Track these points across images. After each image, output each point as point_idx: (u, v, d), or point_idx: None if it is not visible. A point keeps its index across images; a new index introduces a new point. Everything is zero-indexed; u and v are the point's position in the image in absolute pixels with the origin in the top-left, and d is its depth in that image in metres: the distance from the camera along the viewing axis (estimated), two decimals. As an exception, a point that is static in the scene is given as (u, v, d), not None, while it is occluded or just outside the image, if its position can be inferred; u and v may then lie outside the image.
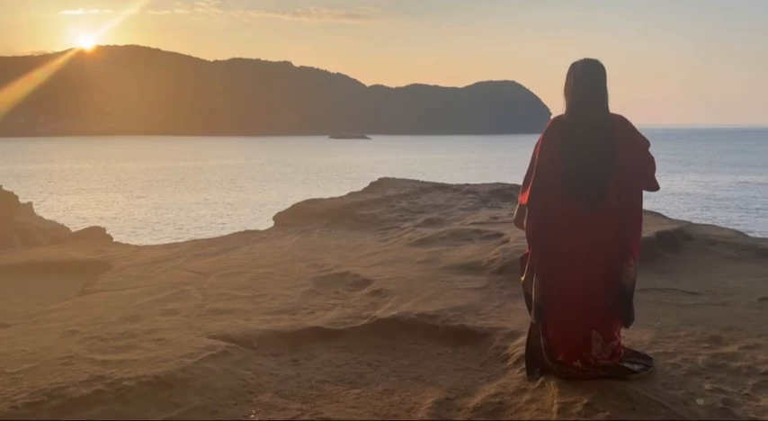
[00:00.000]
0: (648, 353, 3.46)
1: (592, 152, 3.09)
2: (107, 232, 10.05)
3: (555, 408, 2.92)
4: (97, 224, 11.38)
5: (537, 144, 3.24)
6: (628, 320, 3.20)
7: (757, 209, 33.66)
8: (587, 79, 3.11)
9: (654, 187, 3.23)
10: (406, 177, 11.01)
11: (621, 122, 3.15)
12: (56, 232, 10.42)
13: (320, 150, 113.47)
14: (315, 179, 53.70)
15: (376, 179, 10.22)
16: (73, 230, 10.65)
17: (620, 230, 3.12)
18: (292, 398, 3.22)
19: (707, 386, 3.10)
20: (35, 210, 11.81)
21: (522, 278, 3.37)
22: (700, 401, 2.96)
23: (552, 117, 3.24)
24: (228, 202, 38.36)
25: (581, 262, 3.13)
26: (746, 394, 3.03)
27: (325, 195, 10.44)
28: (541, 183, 3.18)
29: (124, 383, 3.18)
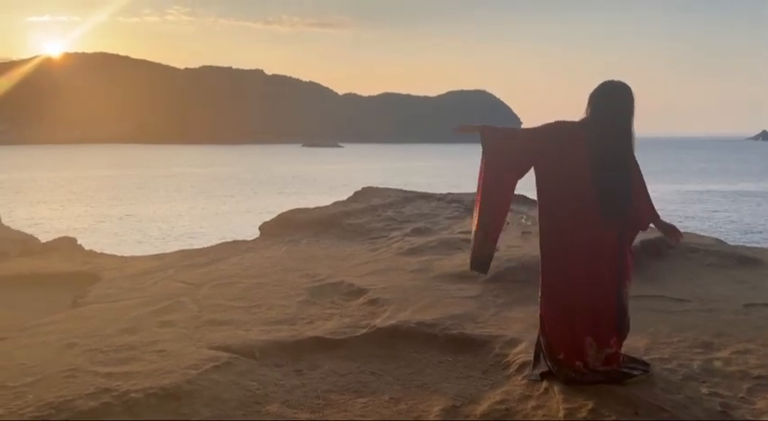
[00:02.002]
0: (645, 358, 3.57)
1: (622, 175, 3.24)
2: (78, 242, 9.86)
3: (561, 414, 3.00)
4: (67, 234, 11.10)
5: (547, 127, 3.32)
6: (623, 331, 3.38)
7: (729, 217, 34.62)
8: (619, 100, 3.24)
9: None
10: (386, 186, 11.05)
11: None
12: (25, 243, 10.14)
13: (294, 159, 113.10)
14: (292, 188, 53.44)
15: (358, 188, 10.24)
16: (43, 241, 10.38)
17: (622, 248, 3.28)
18: (300, 408, 3.24)
19: (704, 390, 3.21)
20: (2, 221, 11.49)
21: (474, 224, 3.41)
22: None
23: (562, 120, 3.34)
24: (205, 212, 37.99)
25: (582, 268, 3.23)
26: (742, 397, 3.15)
27: (306, 204, 10.43)
28: (558, 184, 3.28)
29: (131, 395, 3.17)
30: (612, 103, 3.24)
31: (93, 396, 3.15)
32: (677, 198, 43.45)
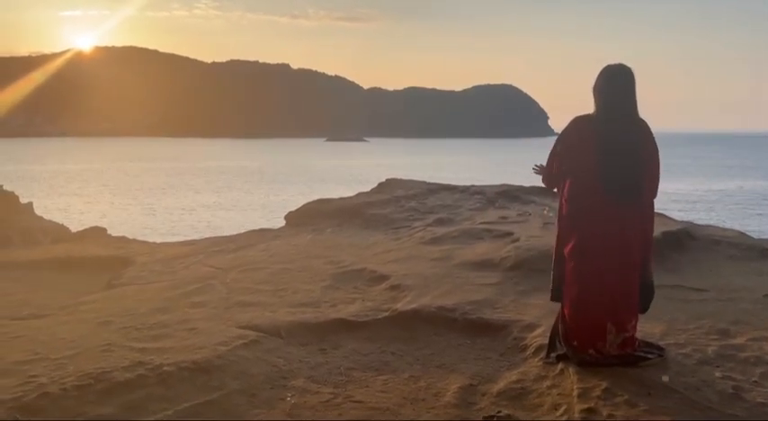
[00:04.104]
0: (660, 343, 3.64)
1: (627, 155, 3.31)
2: (108, 232, 10.07)
3: (575, 393, 3.10)
4: (98, 224, 11.30)
5: (562, 137, 3.44)
6: (645, 308, 3.48)
7: (759, 214, 34.19)
8: (619, 84, 3.32)
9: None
10: (411, 179, 11.16)
11: (646, 127, 3.37)
12: (57, 232, 10.37)
13: (318, 153, 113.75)
14: (316, 181, 53.87)
15: (383, 180, 10.37)
16: (73, 231, 10.57)
17: (643, 228, 3.35)
18: (324, 383, 3.40)
19: (717, 374, 3.28)
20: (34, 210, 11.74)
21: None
22: (665, 378, 3.16)
23: (577, 116, 3.44)
24: (232, 203, 38.56)
25: (605, 255, 3.32)
26: (755, 381, 3.21)
27: (330, 197, 10.57)
28: (574, 175, 3.38)
29: (164, 368, 3.34)
30: (612, 87, 3.34)
31: (129, 368, 3.33)
32: (714, 196, 42.99)
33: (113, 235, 9.58)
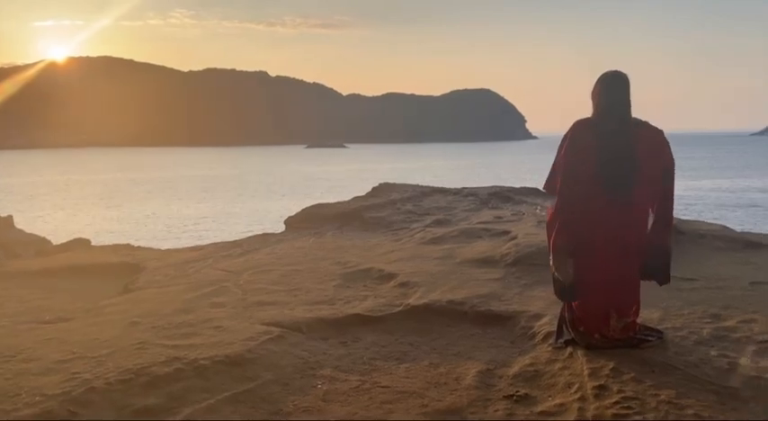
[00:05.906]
0: (659, 327, 3.93)
1: (623, 158, 3.59)
2: (92, 244, 9.97)
3: (586, 372, 3.37)
4: (79, 236, 11.04)
5: (564, 141, 3.72)
6: (666, 279, 3.84)
7: (734, 210, 35.25)
8: (614, 89, 3.61)
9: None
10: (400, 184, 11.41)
11: (646, 128, 3.66)
12: (39, 245, 10.19)
13: (301, 160, 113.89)
14: (304, 189, 53.93)
15: (377, 185, 10.61)
16: (55, 243, 10.39)
17: (645, 221, 3.64)
18: (350, 372, 3.63)
19: (713, 353, 3.57)
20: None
21: (551, 263, 3.81)
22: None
23: (576, 120, 3.73)
24: (221, 212, 38.57)
25: (605, 249, 3.61)
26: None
27: (323, 201, 10.78)
28: (574, 179, 3.66)
29: (200, 362, 3.54)
30: (608, 92, 3.63)
31: (166, 363, 3.52)
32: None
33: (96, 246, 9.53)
